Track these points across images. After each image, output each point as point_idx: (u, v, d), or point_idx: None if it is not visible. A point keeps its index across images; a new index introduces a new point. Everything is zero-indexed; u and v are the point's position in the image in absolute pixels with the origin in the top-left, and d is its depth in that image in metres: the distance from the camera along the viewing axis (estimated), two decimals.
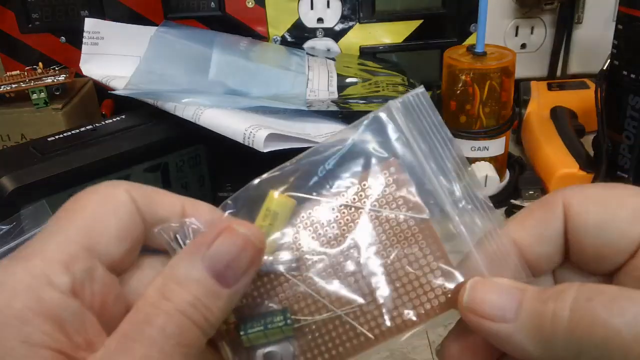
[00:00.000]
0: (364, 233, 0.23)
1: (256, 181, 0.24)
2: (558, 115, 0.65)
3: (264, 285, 0.23)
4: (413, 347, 0.42)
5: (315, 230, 0.23)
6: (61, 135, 0.51)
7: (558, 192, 0.23)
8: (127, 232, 0.22)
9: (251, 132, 0.46)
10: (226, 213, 0.24)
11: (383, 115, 0.23)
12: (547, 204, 0.23)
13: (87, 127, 0.53)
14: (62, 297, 0.20)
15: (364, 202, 0.23)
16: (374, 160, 0.23)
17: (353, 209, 0.23)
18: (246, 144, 0.46)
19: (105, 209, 0.22)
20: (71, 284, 0.20)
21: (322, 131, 0.52)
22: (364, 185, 0.23)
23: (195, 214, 0.24)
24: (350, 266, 0.23)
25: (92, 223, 0.22)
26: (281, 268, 0.23)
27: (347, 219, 0.23)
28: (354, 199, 0.23)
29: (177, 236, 0.23)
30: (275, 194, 0.23)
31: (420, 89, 0.23)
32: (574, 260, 0.23)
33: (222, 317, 0.21)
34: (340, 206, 0.23)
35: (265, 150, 0.45)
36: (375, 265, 0.23)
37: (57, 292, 0.20)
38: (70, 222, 0.22)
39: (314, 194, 0.23)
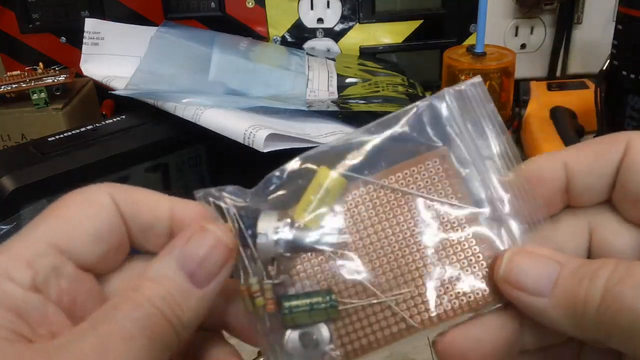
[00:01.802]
0: (410, 219, 0.23)
1: (303, 156, 0.23)
2: (558, 115, 0.65)
3: (304, 262, 0.23)
4: (413, 347, 0.42)
5: (362, 211, 0.23)
6: (61, 136, 0.51)
7: (625, 132, 0.23)
8: (105, 235, 0.22)
9: (251, 132, 0.46)
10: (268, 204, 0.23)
11: (437, 103, 0.23)
12: (610, 139, 0.23)
13: (88, 127, 0.53)
14: (21, 291, 0.20)
15: (412, 187, 0.23)
16: (424, 147, 0.23)
17: (400, 193, 0.23)
18: (246, 144, 0.46)
19: (83, 211, 0.22)
20: (31, 280, 0.20)
21: (322, 131, 0.52)
22: (413, 171, 0.23)
23: (185, 214, 0.24)
24: (395, 251, 0.23)
25: (65, 224, 0.22)
26: (324, 246, 0.23)
27: (394, 204, 0.23)
28: (402, 183, 0.23)
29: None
30: (328, 171, 0.23)
31: (478, 79, 0.23)
32: (616, 201, 0.23)
33: (195, 318, 0.21)
34: (388, 189, 0.23)
35: (265, 151, 0.45)
36: (421, 252, 0.23)
37: (17, 286, 0.20)
38: (43, 223, 0.22)
39: (366, 172, 0.23)
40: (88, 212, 0.22)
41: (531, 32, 0.73)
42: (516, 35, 0.74)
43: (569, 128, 0.63)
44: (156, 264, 0.22)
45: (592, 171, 0.23)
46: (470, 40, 0.71)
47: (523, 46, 0.74)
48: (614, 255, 0.23)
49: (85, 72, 0.62)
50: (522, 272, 0.21)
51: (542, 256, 0.22)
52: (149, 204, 0.23)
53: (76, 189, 0.23)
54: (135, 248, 0.24)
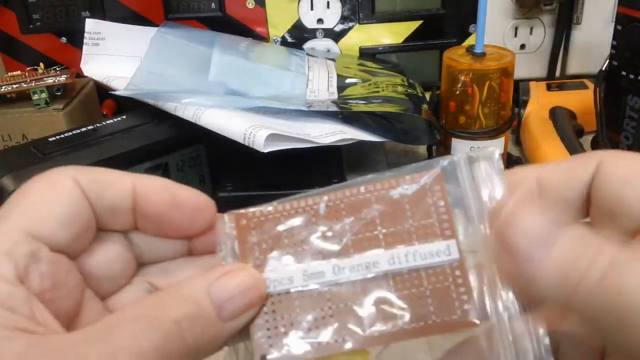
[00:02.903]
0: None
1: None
2: (557, 115, 0.65)
3: None
4: (411, 347, 0.42)
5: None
6: (62, 136, 0.51)
7: (598, 152, 0.23)
8: (72, 217, 0.22)
9: (251, 132, 0.46)
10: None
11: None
12: (585, 156, 0.23)
13: (88, 128, 0.53)
14: (8, 287, 0.20)
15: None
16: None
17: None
18: (246, 144, 0.46)
19: (48, 195, 0.22)
20: (15, 270, 0.20)
21: (322, 131, 0.52)
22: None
23: (148, 190, 0.24)
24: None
25: (33, 209, 0.22)
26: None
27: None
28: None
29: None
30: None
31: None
32: (592, 216, 0.23)
33: (208, 348, 0.21)
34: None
35: (265, 151, 0.45)
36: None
37: (3, 282, 0.20)
38: (11, 211, 0.22)
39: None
40: (53, 196, 0.22)
41: (530, 33, 0.74)
42: (515, 35, 0.74)
43: (569, 128, 0.63)
44: (190, 282, 0.22)
45: (566, 186, 0.23)
46: (470, 41, 0.71)
47: (522, 46, 0.74)
48: None
49: (85, 73, 0.62)
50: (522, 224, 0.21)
51: (546, 208, 0.21)
52: (112, 183, 0.24)
53: (38, 175, 0.23)
54: (102, 229, 0.24)
